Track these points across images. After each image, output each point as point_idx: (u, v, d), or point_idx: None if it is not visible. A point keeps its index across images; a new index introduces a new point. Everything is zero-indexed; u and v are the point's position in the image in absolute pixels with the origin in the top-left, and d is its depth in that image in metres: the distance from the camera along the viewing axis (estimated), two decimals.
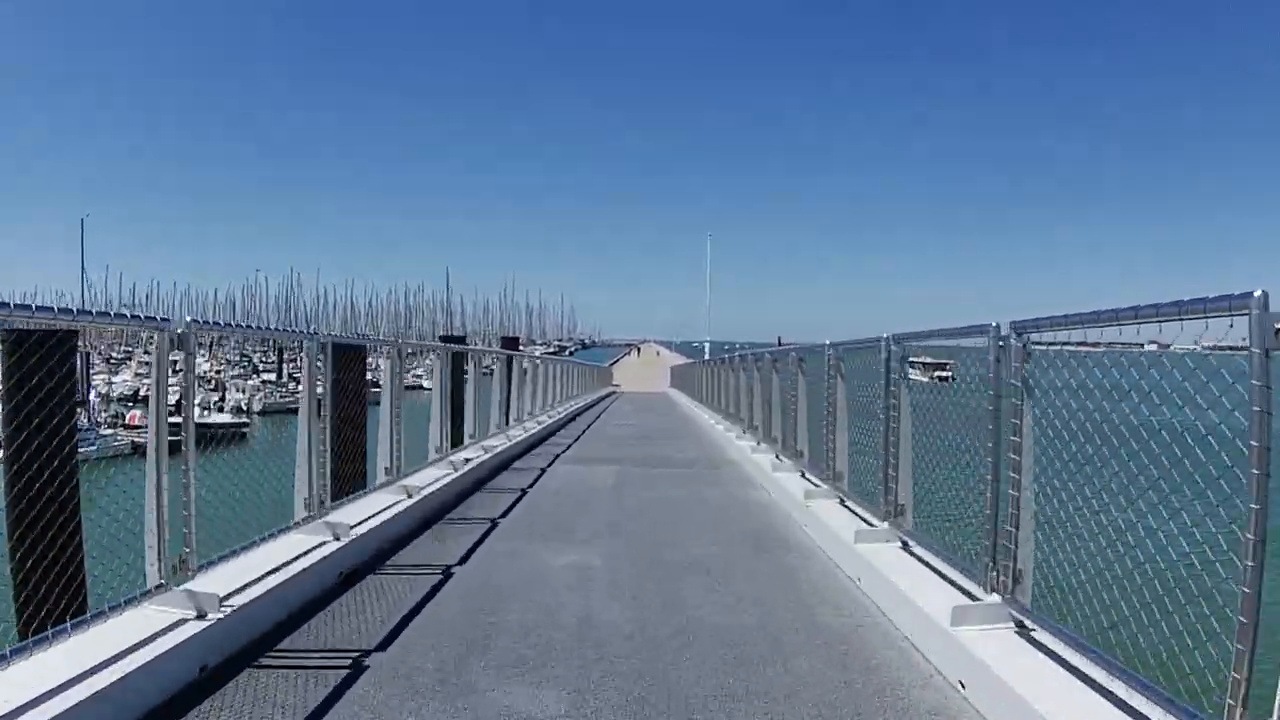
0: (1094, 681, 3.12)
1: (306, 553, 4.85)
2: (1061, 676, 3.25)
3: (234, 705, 3.33)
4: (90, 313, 3.59)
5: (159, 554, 3.66)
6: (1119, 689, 2.98)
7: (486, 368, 13.57)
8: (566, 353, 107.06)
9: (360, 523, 5.83)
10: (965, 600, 3.96)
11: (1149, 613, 3.00)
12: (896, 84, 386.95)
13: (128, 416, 37.92)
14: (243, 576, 4.19)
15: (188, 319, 3.86)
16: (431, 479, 8.05)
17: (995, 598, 3.80)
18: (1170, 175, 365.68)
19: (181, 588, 3.72)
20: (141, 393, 52.65)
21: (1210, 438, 2.61)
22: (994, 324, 3.84)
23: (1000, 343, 3.82)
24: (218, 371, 59.31)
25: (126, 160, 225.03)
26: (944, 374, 5.81)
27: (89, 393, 35.26)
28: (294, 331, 8.43)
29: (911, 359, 5.44)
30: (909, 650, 4.08)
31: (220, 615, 3.70)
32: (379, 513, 6.30)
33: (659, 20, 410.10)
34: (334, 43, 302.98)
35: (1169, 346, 2.86)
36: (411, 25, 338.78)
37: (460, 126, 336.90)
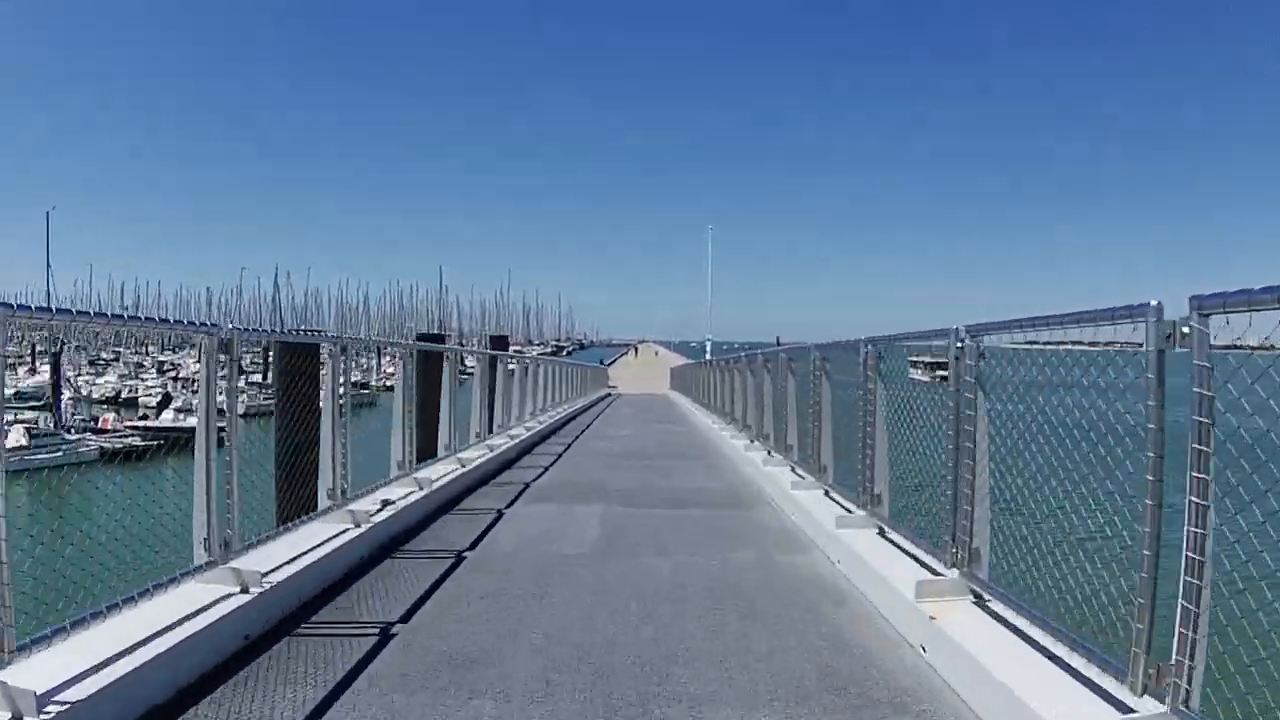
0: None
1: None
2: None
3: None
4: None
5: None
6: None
7: (469, 369, 12.79)
8: (564, 353, 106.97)
9: (273, 570, 4.50)
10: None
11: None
12: (896, 84, 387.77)
13: (100, 420, 36.32)
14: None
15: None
16: (388, 500, 6.74)
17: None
18: (1170, 175, 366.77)
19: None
20: (124, 394, 52.00)
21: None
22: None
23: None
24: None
25: (126, 160, 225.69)
26: (945, 373, 5.76)
27: (59, 395, 34.52)
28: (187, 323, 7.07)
29: (913, 359, 5.83)
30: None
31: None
32: (304, 553, 4.99)
33: (659, 20, 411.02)
34: (334, 43, 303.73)
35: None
36: (411, 25, 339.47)
37: (460, 126, 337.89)
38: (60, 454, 24.18)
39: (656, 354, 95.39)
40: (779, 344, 22.64)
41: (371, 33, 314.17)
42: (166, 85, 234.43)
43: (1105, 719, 2.75)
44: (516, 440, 13.16)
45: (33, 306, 3.14)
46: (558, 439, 15.18)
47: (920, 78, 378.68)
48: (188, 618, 3.76)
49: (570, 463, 11.63)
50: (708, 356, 37.06)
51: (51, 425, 30.11)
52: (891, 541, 5.42)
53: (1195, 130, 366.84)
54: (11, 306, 3.03)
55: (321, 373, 6.22)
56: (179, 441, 5.15)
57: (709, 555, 6.04)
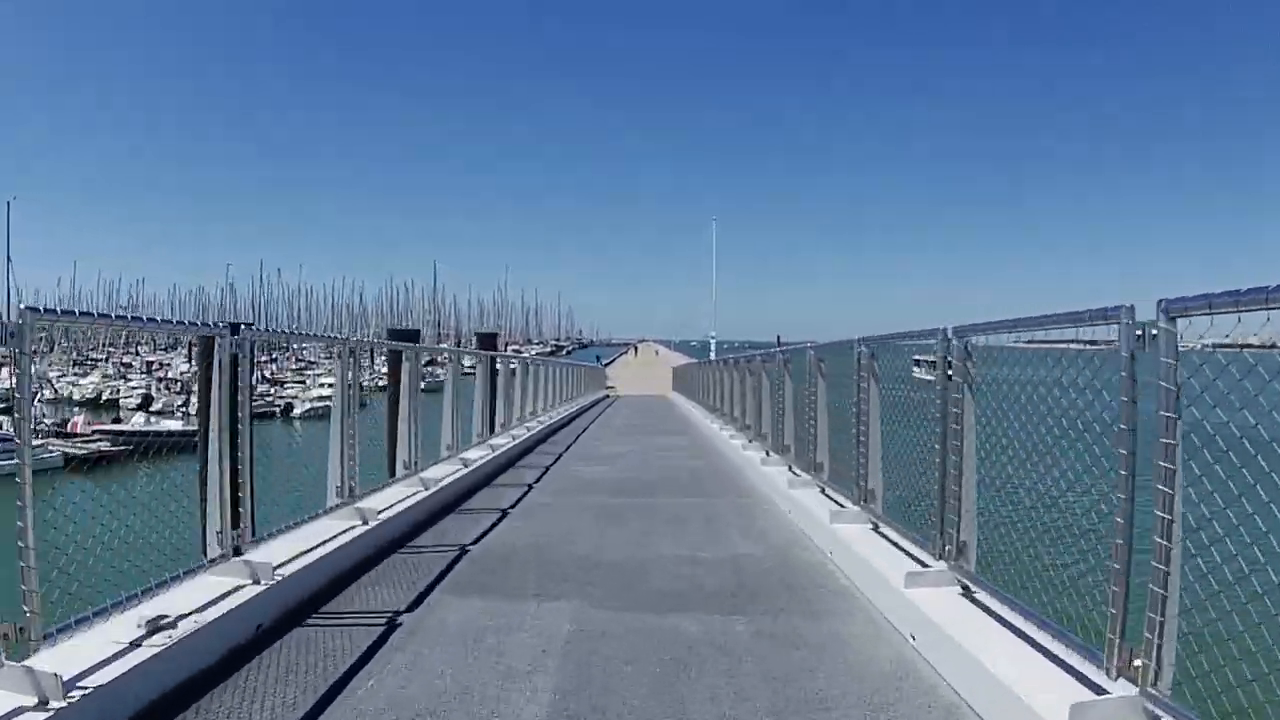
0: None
1: None
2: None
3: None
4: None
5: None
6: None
7: (469, 370, 12.02)
8: (564, 352, 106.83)
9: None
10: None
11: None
12: (896, 84, 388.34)
13: (69, 424, 34.42)
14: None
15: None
16: (316, 542, 5.20)
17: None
18: (1170, 175, 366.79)
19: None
20: (105, 396, 51.02)
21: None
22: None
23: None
24: (190, 374, 55.60)
25: (126, 160, 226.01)
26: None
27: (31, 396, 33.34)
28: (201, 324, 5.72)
29: (918, 358, 5.92)
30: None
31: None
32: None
33: (659, 20, 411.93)
34: (334, 43, 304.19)
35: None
36: (411, 25, 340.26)
37: (460, 126, 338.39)
38: (11, 461, 22.41)
39: (657, 353, 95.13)
40: (779, 343, 22.53)
41: (371, 33, 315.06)
42: (166, 85, 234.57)
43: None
44: (517, 441, 12.19)
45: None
46: (538, 456, 12.40)
47: (920, 78, 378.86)
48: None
49: (540, 501, 8.37)
50: (712, 356, 35.68)
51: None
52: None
53: (1194, 130, 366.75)
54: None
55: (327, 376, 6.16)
56: (153, 448, 5.06)
57: None
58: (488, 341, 20.99)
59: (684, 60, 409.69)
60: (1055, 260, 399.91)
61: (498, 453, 11.30)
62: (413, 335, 17.51)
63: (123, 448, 23.21)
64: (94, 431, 32.97)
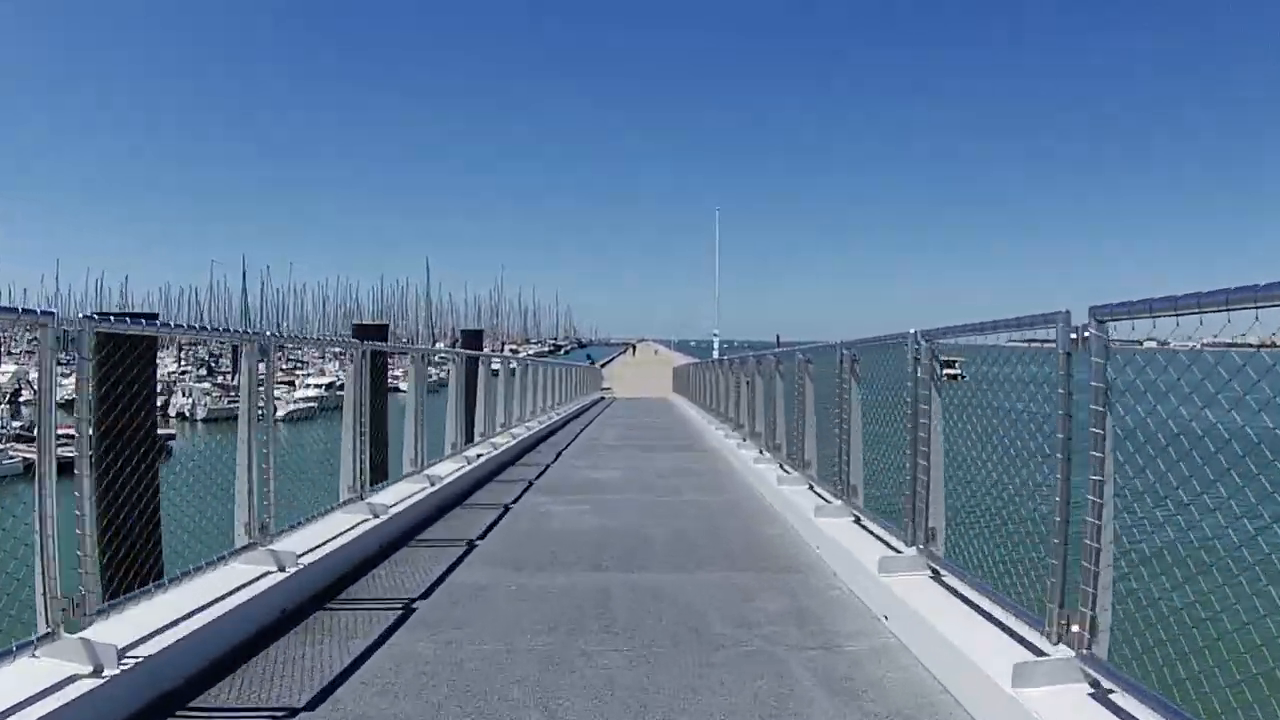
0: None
1: None
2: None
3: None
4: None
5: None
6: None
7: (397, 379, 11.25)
8: (562, 352, 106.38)
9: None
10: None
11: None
12: (896, 84, 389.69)
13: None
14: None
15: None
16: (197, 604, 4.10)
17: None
18: (1170, 175, 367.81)
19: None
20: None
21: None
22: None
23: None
24: (182, 373, 54.45)
25: (126, 160, 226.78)
26: (952, 371, 5.37)
27: None
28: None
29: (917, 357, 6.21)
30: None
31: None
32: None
33: (659, 20, 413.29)
34: (334, 43, 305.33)
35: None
36: (411, 25, 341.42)
37: (460, 126, 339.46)
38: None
39: (656, 352, 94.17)
40: (779, 343, 22.58)
41: (371, 33, 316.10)
42: (166, 85, 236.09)
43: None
44: (489, 455, 10.48)
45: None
46: (500, 486, 9.49)
47: (920, 78, 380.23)
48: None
49: (471, 587, 5.21)
50: (715, 355, 34.08)
51: None
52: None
53: (1195, 130, 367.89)
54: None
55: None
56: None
57: None
58: (473, 340, 19.37)
59: (684, 60, 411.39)
60: (1055, 260, 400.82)
61: (517, 441, 10.95)
62: (383, 330, 15.24)
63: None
64: (62, 435, 31.43)
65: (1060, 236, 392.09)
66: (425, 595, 4.98)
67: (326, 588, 5.03)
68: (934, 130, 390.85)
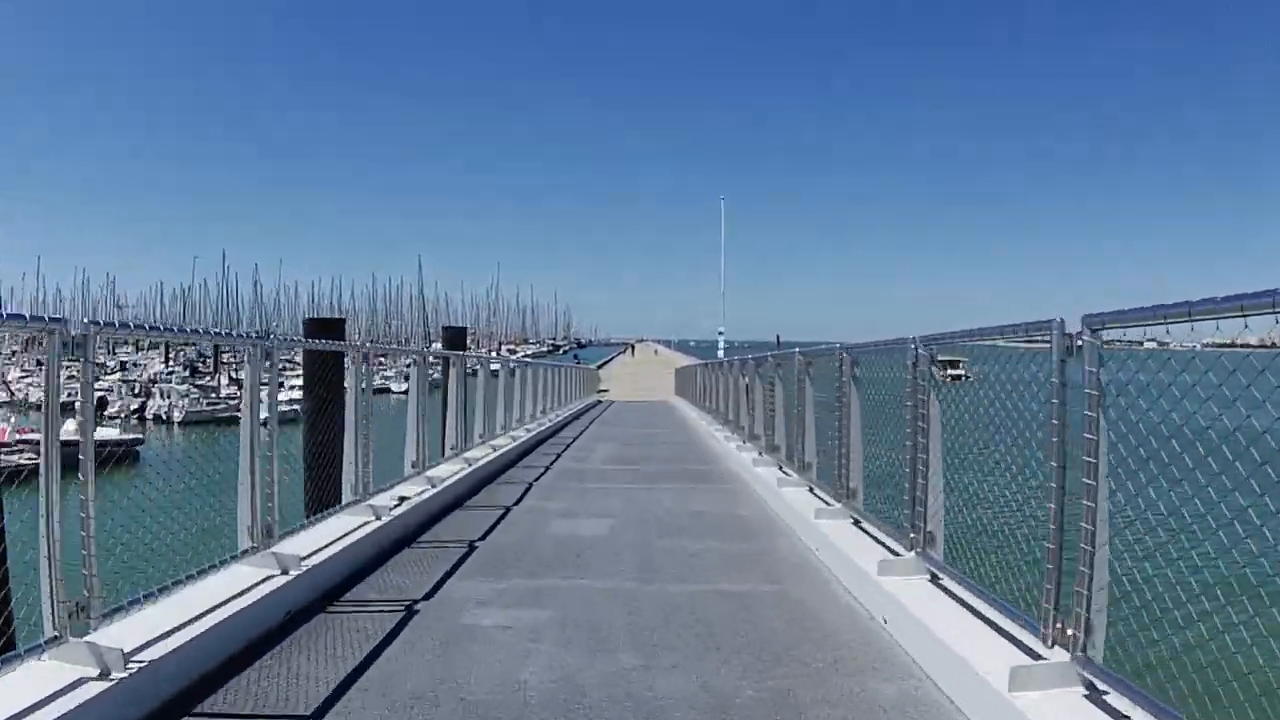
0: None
1: None
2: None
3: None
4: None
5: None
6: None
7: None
8: (561, 352, 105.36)
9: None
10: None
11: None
12: (896, 84, 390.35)
13: None
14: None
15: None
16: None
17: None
18: (1170, 175, 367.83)
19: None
20: (64, 399, 48.23)
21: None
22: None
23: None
24: (168, 374, 53.61)
25: (126, 160, 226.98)
26: (956, 372, 5.25)
27: None
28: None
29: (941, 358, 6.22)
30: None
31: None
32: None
33: (659, 20, 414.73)
34: (334, 43, 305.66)
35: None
36: (411, 25, 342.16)
37: (460, 126, 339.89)
38: None
39: (656, 353, 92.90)
40: (779, 344, 22.56)
41: (371, 33, 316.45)
42: (166, 85, 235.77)
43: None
44: (452, 479, 8.47)
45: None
46: (428, 546, 6.42)
47: (920, 78, 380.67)
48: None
49: None
50: (720, 355, 33.01)
51: None
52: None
53: (1195, 130, 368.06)
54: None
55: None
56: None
57: None
58: (456, 339, 16.87)
59: (684, 60, 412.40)
60: (1055, 260, 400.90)
61: (482, 464, 9.44)
62: (337, 324, 13.36)
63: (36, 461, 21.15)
64: (18, 441, 27.39)
65: (1060, 236, 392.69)
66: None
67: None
68: (934, 130, 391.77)
